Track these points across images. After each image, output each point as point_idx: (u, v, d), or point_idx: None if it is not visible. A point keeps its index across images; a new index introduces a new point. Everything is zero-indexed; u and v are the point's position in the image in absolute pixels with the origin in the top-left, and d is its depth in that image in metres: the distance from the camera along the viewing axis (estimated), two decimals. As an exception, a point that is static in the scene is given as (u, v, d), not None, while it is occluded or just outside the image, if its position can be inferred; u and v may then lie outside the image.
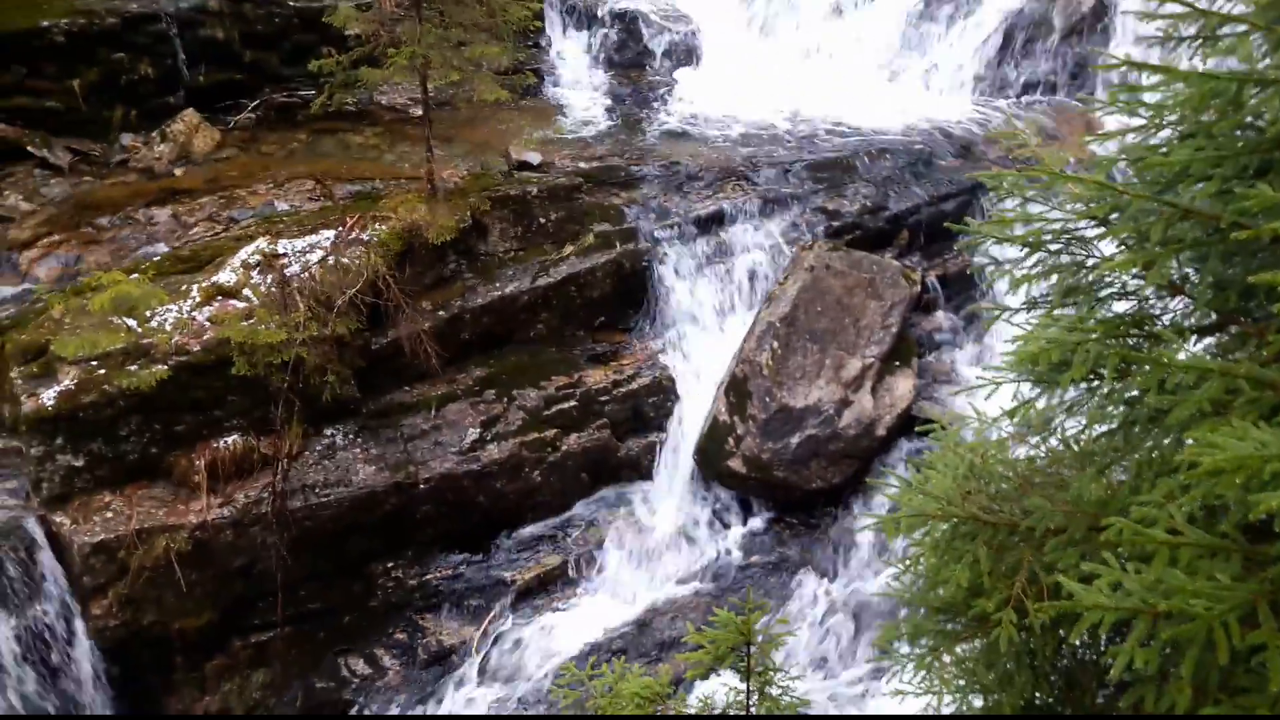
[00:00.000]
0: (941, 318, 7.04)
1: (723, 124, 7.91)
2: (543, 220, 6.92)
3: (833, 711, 5.46)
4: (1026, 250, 3.30)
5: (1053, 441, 3.36)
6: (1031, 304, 3.38)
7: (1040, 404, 3.15)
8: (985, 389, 3.30)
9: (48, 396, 5.50)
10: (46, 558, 5.50)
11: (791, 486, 6.40)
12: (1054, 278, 3.29)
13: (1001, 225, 3.17)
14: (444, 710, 5.89)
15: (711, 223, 7.11)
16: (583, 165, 7.41)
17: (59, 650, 5.57)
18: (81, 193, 6.96)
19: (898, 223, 7.30)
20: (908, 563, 3.14)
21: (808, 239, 7.00)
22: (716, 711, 3.29)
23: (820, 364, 6.43)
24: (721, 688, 3.32)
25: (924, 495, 3.10)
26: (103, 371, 5.55)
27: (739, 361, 6.51)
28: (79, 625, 5.58)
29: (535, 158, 7.41)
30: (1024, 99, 8.36)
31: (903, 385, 6.48)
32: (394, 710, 5.88)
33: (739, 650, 3.34)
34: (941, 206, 7.30)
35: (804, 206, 7.17)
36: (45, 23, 7.17)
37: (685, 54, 8.64)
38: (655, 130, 7.90)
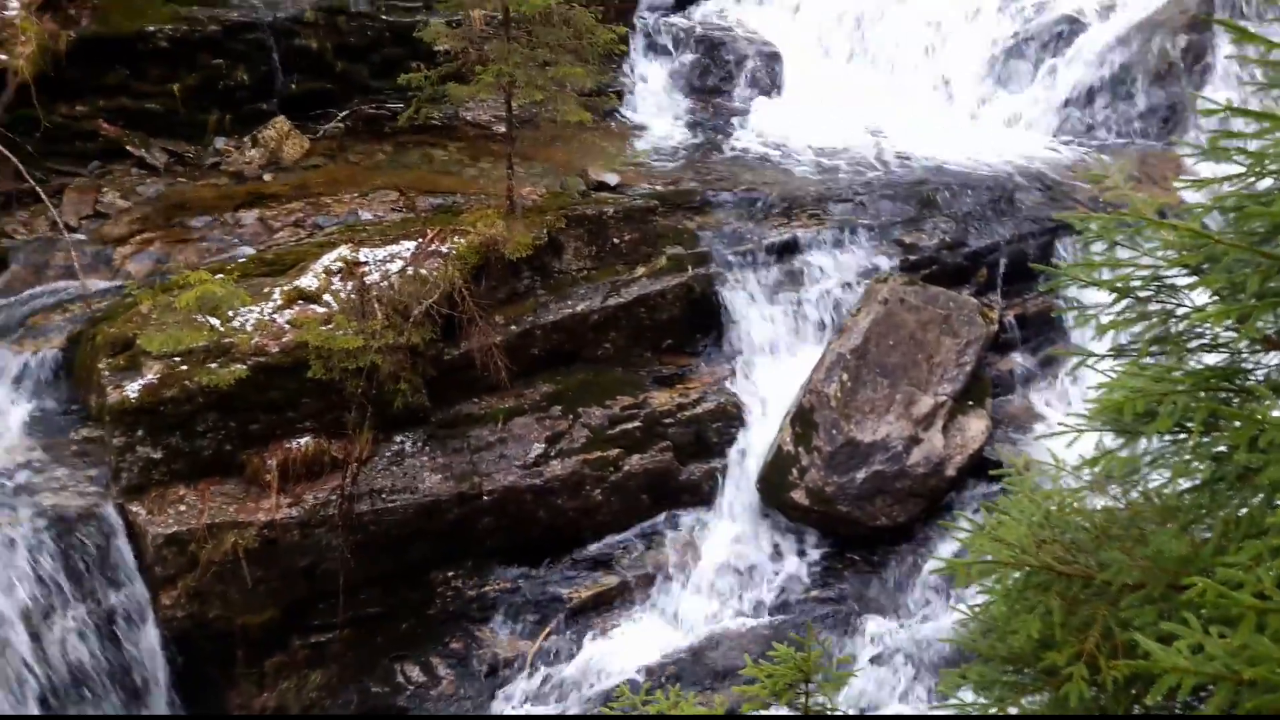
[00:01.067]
0: (1018, 359, 6.91)
1: (801, 152, 7.89)
2: (616, 241, 6.97)
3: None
4: (1115, 296, 3.23)
5: (1133, 494, 3.28)
6: (1118, 351, 3.30)
7: (1123, 454, 3.08)
8: (1064, 435, 3.23)
9: (132, 389, 5.68)
10: (122, 545, 5.67)
11: (855, 522, 6.32)
12: (1142, 325, 3.22)
13: (1089, 268, 3.11)
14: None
15: (785, 251, 7.09)
16: (659, 188, 7.45)
17: (128, 636, 5.73)
18: (175, 193, 7.20)
19: (976, 260, 7.20)
20: (976, 610, 3.08)
21: (883, 271, 6.95)
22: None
23: (890, 399, 6.36)
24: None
25: (996, 541, 3.04)
26: (185, 368, 5.72)
27: (807, 392, 6.46)
28: (148, 613, 5.73)
29: (613, 179, 7.47)
30: (1112, 141, 8.20)
31: (975, 426, 6.37)
32: (445, 720, 5.92)
33: (797, 687, 3.30)
34: (1022, 246, 7.18)
35: (880, 238, 7.12)
36: (151, 28, 7.45)
37: (767, 82, 8.64)
38: (732, 156, 7.92)
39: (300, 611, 5.94)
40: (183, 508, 5.70)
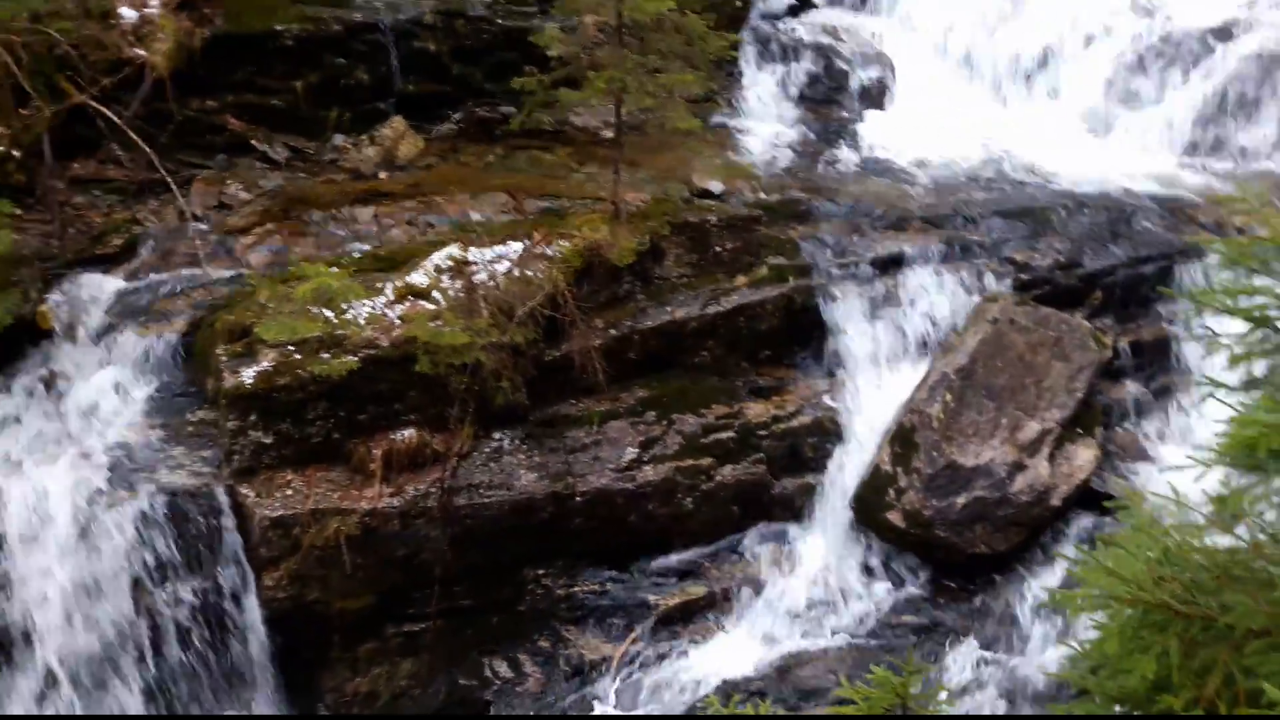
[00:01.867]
0: (1130, 387, 6.68)
1: (912, 166, 7.76)
2: (718, 249, 6.97)
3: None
4: (1250, 325, 3.10)
5: (1259, 535, 3.14)
6: (1250, 383, 3.18)
7: (1253, 492, 2.96)
8: (1187, 469, 3.12)
9: (247, 375, 5.90)
10: (230, 525, 5.89)
11: (952, 548, 6.18)
12: (1278, 357, 3.09)
13: (1231, 294, 2.99)
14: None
15: (890, 265, 6.99)
16: (763, 197, 7.42)
17: (231, 613, 5.94)
18: (294, 187, 7.45)
19: (1091, 282, 6.98)
20: (1085, 645, 2.99)
21: (992, 290, 6.79)
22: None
23: (995, 423, 6.20)
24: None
25: (1111, 575, 2.94)
26: (298, 356, 5.91)
27: (908, 411, 6.35)
28: (251, 592, 5.93)
29: (717, 186, 7.47)
30: (1241, 164, 7.87)
31: (1083, 454, 6.17)
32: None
33: (892, 712, 3.25)
34: (1141, 269, 6.94)
35: (991, 256, 6.95)
36: (279, 26, 7.73)
37: (879, 93, 8.53)
38: (841, 167, 7.84)
39: (395, 600, 6.07)
40: (289, 492, 5.89)
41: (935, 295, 6.87)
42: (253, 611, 5.92)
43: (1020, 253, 7.02)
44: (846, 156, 7.97)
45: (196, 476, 5.93)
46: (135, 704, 5.76)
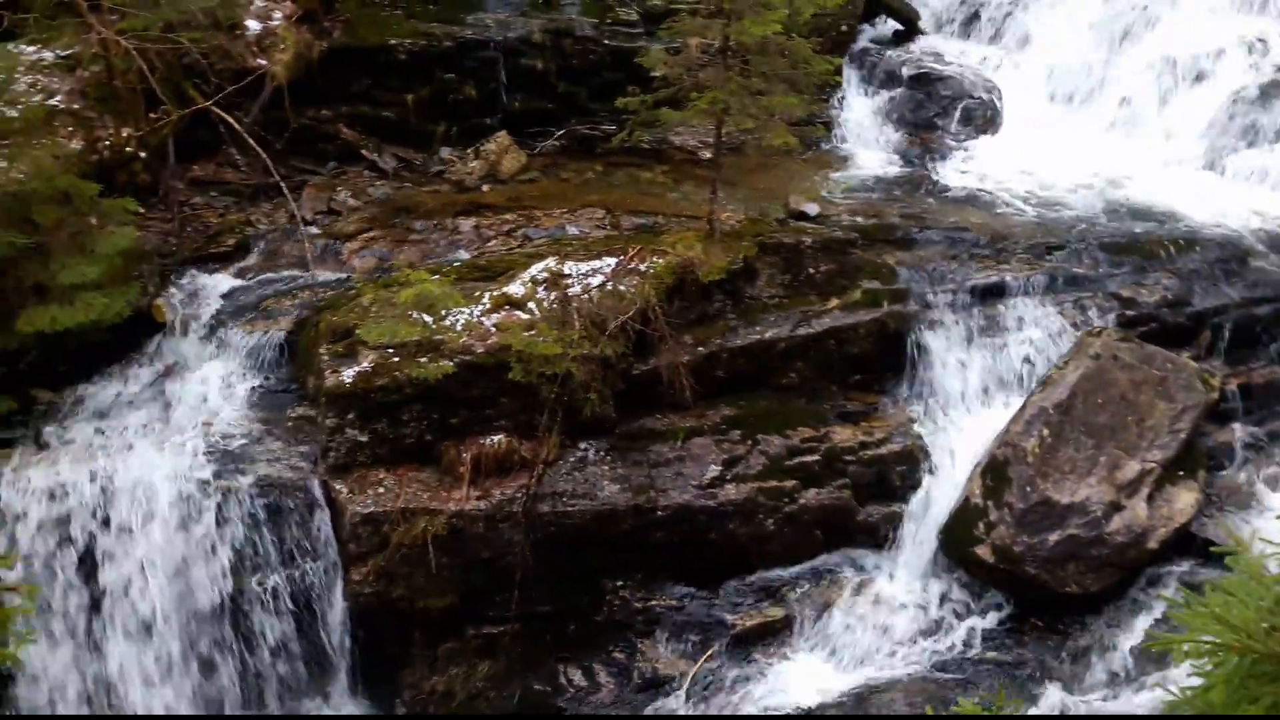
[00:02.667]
0: (1238, 431, 6.42)
1: (1016, 194, 7.63)
2: (811, 271, 6.94)
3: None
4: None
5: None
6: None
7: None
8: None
9: (347, 375, 6.09)
10: (323, 519, 6.07)
11: (1041, 586, 6.02)
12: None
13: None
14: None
15: (990, 294, 6.87)
16: (860, 220, 7.37)
17: (319, 604, 6.11)
18: (400, 196, 7.70)
19: (1200, 321, 6.75)
20: (1187, 693, 2.88)
21: (1095, 325, 6.61)
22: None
23: (1093, 460, 6.03)
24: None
25: (1220, 623, 2.83)
26: (397, 359, 6.08)
27: (1001, 444, 6.21)
28: (338, 586, 6.10)
29: (813, 209, 7.45)
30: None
31: (1185, 498, 5.96)
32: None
33: (980, 745, 3.17)
34: (1254, 310, 6.69)
35: (1095, 290, 6.78)
36: (393, 41, 8.01)
37: (983, 120, 8.41)
38: (941, 194, 7.74)
39: (476, 601, 6.17)
40: (381, 490, 6.05)
41: (1036, 327, 6.73)
42: (338, 604, 6.09)
43: (1126, 288, 6.83)
44: (948, 183, 7.87)
45: (294, 470, 6.14)
46: (219, 682, 5.94)
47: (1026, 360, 6.67)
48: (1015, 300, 6.79)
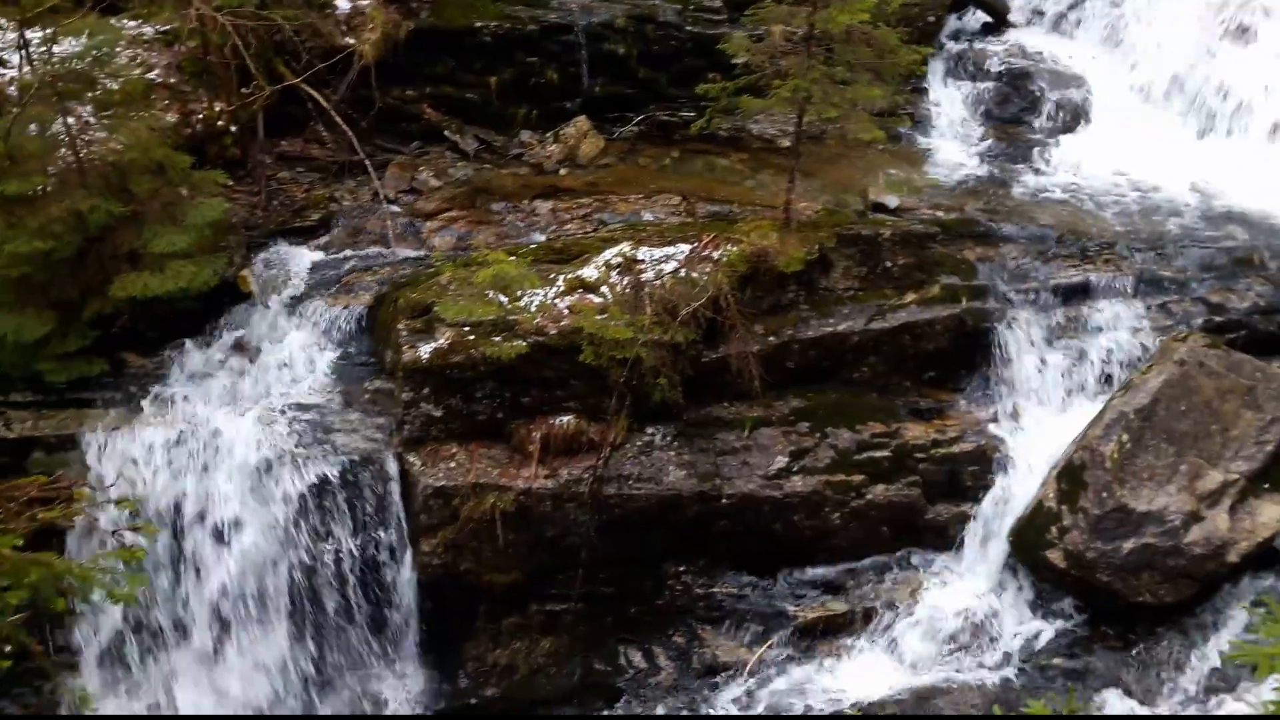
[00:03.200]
0: (1330, 445, 6.19)
1: (1104, 192, 7.43)
2: (889, 264, 6.86)
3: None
4: None
5: None
6: None
7: None
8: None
9: (424, 351, 6.22)
10: (395, 490, 6.22)
11: (1114, 594, 5.90)
12: None
13: None
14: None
15: (1073, 294, 6.73)
16: (941, 215, 7.26)
17: (388, 573, 6.26)
18: (480, 178, 7.79)
19: (1292, 329, 6.53)
20: (1271, 707, 2.81)
21: (1182, 330, 6.43)
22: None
23: (1173, 469, 5.88)
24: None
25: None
26: (472, 337, 6.19)
27: (1079, 447, 6.09)
28: (407, 556, 6.24)
29: (893, 201, 7.36)
30: None
31: (1269, 511, 5.77)
32: (660, 712, 6.04)
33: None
34: (1351, 320, 6.43)
35: (1183, 294, 6.60)
36: (479, 23, 8.10)
37: (1072, 115, 8.20)
38: (1026, 190, 7.58)
39: (541, 579, 6.26)
40: (453, 464, 6.17)
41: (1119, 330, 6.57)
42: (407, 574, 6.23)
43: (1216, 293, 6.64)
44: (1034, 179, 7.70)
45: (369, 442, 6.29)
46: (286, 641, 6.11)
47: (1108, 363, 6.52)
48: (1099, 301, 6.64)
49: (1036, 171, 7.77)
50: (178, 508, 6.01)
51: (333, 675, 6.23)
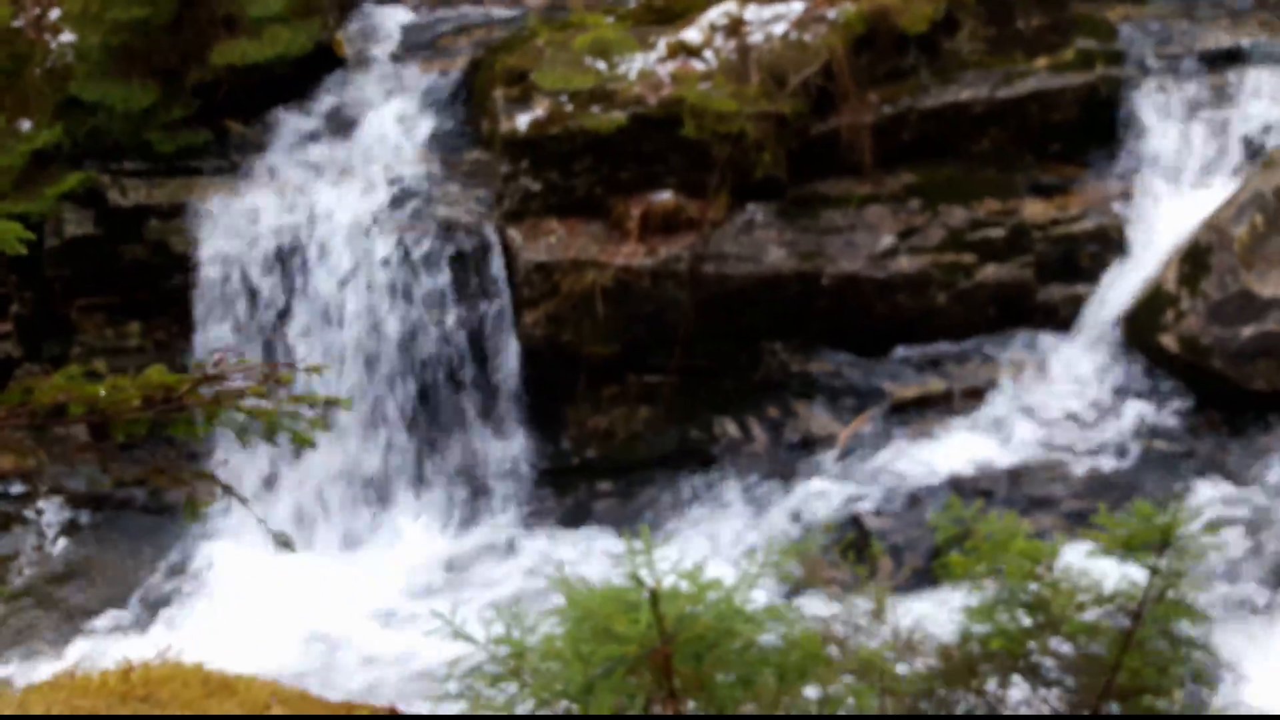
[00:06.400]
0: None
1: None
2: (1021, 25, 6.28)
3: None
4: None
5: None
6: None
7: None
8: None
9: (522, 121, 6.07)
10: (497, 262, 6.28)
11: (1225, 380, 5.70)
12: None
13: None
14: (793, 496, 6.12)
15: (1222, 60, 6.09)
16: (1086, -33, 6.53)
17: (492, 341, 6.45)
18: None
19: None
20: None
21: (1345, 103, 5.80)
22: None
23: (1313, 256, 5.49)
24: (1114, 571, 3.10)
25: None
26: (570, 108, 6.00)
27: (1207, 228, 5.71)
28: (510, 326, 6.39)
29: (1032, -51, 6.61)
30: None
31: None
32: (753, 478, 6.24)
33: (1152, 548, 3.09)
34: None
35: (1354, 61, 5.90)
36: None
37: None
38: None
39: (639, 352, 6.35)
40: (552, 239, 6.17)
41: (1270, 101, 5.95)
42: (510, 343, 6.40)
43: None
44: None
45: (470, 214, 6.30)
46: (398, 412, 6.43)
47: (1253, 138, 5.97)
48: (1251, 69, 5.99)
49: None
50: (286, 274, 6.19)
51: (438, 435, 6.56)
